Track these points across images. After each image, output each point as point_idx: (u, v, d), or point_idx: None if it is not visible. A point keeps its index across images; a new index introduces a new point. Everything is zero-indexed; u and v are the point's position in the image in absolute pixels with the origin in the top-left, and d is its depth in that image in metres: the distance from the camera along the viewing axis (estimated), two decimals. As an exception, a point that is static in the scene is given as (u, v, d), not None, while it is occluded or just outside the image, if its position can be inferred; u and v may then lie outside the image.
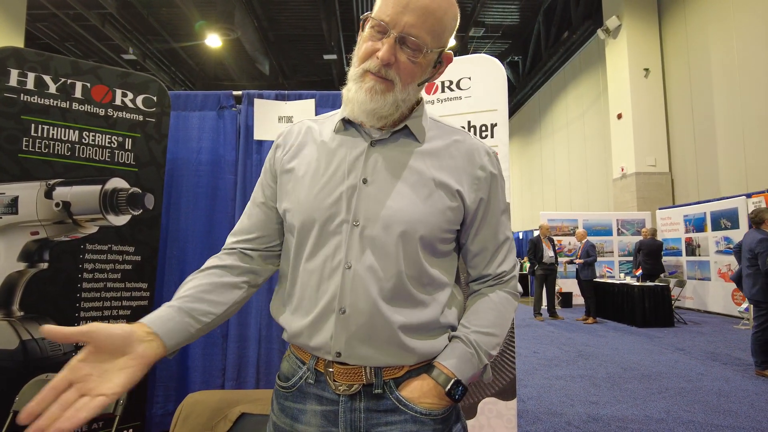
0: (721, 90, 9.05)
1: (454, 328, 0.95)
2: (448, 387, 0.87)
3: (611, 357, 5.41)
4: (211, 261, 0.99)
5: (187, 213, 2.70)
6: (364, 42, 0.89)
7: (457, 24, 0.92)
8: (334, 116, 1.00)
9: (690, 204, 9.31)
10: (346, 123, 0.96)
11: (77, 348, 2.27)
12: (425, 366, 0.91)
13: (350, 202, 0.88)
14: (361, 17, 0.94)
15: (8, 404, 1.72)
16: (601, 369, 4.85)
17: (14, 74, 2.21)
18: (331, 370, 0.88)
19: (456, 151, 0.95)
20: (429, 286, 0.90)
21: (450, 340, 0.93)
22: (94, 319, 2.33)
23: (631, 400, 3.82)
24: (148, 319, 0.83)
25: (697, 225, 8.89)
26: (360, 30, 0.94)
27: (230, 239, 1.03)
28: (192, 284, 0.93)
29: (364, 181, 0.89)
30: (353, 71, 0.89)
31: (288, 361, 0.97)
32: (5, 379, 2.08)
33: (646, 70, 10.53)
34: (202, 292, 0.92)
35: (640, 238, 9.05)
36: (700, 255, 8.86)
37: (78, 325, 2.27)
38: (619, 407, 3.64)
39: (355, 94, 0.88)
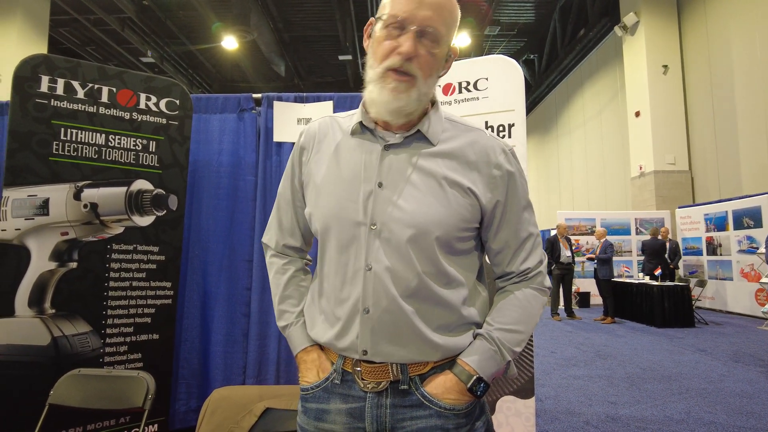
0: (742, 86, 8.87)
1: (478, 325, 0.97)
2: (470, 383, 0.90)
3: (630, 357, 5.36)
4: (290, 266, 1.09)
5: (208, 213, 2.76)
6: (379, 43, 0.91)
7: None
8: (351, 117, 1.02)
9: (711, 203, 9.15)
10: (362, 127, 0.98)
11: (105, 345, 2.34)
12: (449, 362, 0.93)
13: (367, 206, 0.91)
14: (370, 22, 0.96)
15: (44, 398, 1.78)
16: (619, 369, 4.81)
17: (45, 80, 2.29)
18: (358, 369, 0.92)
19: (471, 150, 0.96)
20: (449, 284, 0.93)
21: (474, 338, 0.95)
22: (120, 316, 2.41)
23: (651, 400, 3.79)
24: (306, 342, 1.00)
25: (719, 224, 8.73)
26: (365, 36, 0.98)
27: (284, 239, 1.10)
28: (294, 298, 1.06)
29: (380, 185, 0.92)
30: (373, 73, 0.91)
31: None
32: (39, 373, 2.16)
33: (665, 66, 10.36)
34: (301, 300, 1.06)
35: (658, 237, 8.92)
36: (721, 254, 8.71)
37: (105, 322, 2.35)
38: (638, 407, 3.61)
39: (378, 94, 0.90)
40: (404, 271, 0.89)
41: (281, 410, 1.63)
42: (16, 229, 2.22)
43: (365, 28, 0.99)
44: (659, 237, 8.48)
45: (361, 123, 0.98)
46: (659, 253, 8.35)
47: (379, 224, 0.90)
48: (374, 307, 0.89)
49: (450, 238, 0.92)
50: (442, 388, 0.90)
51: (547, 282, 1.02)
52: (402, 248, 0.89)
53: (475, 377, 0.90)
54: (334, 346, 0.94)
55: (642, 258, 9.90)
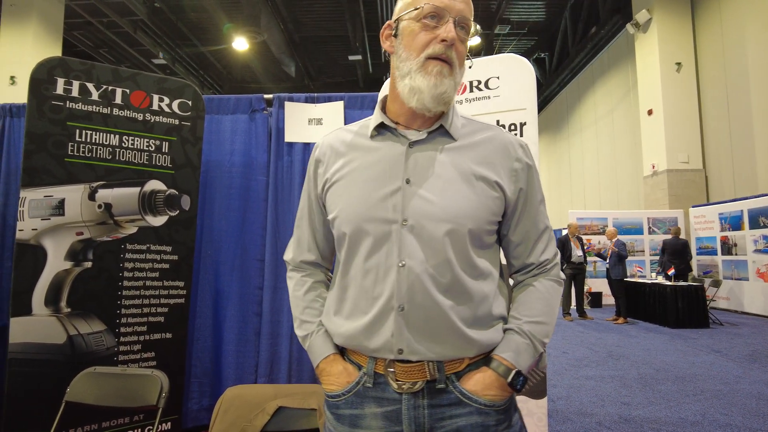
0: (758, 83, 8.74)
1: (504, 319, 0.98)
2: (510, 378, 0.90)
3: (643, 358, 5.30)
4: (308, 278, 1.10)
5: (221, 213, 2.78)
6: (414, 35, 0.93)
7: None
8: (366, 123, 1.04)
9: (726, 201, 9.02)
10: (381, 128, 1.00)
11: (119, 343, 2.37)
12: (484, 359, 0.94)
13: (396, 203, 0.92)
14: (389, 24, 0.99)
15: (60, 395, 1.81)
16: (632, 370, 4.76)
17: (60, 83, 2.32)
18: (392, 370, 0.91)
19: (491, 145, 0.98)
20: (480, 278, 0.93)
21: (504, 333, 0.96)
22: (133, 315, 2.43)
23: (665, 401, 3.75)
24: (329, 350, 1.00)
25: (734, 223, 8.61)
26: (384, 38, 1.00)
27: (301, 254, 1.11)
28: (314, 308, 1.06)
29: (407, 182, 0.93)
30: (412, 63, 0.93)
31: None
32: (56, 371, 2.19)
33: (678, 64, 10.23)
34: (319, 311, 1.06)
35: (669, 236, 8.82)
36: (736, 254, 8.58)
37: (120, 321, 2.38)
38: (651, 408, 3.57)
39: (422, 81, 0.91)
40: (439, 265, 0.89)
41: (294, 409, 1.64)
42: (33, 229, 2.26)
43: (383, 30, 1.01)
44: (680, 236, 8.39)
45: (381, 124, 0.99)
46: (682, 252, 8.24)
47: (410, 220, 0.90)
48: (409, 304, 0.89)
49: (481, 231, 0.93)
50: (481, 384, 0.90)
51: (562, 274, 1.04)
52: (436, 242, 0.89)
53: (514, 371, 0.90)
54: (365, 347, 0.93)
55: (656, 258, 9.79)
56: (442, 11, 0.90)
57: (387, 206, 0.92)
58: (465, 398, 0.90)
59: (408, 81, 0.93)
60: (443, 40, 0.90)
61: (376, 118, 1.01)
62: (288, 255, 1.14)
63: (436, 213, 0.90)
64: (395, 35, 0.98)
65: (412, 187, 0.92)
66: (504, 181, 0.95)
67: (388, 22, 1.00)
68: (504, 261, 1.05)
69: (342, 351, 1.00)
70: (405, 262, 0.89)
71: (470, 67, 1.02)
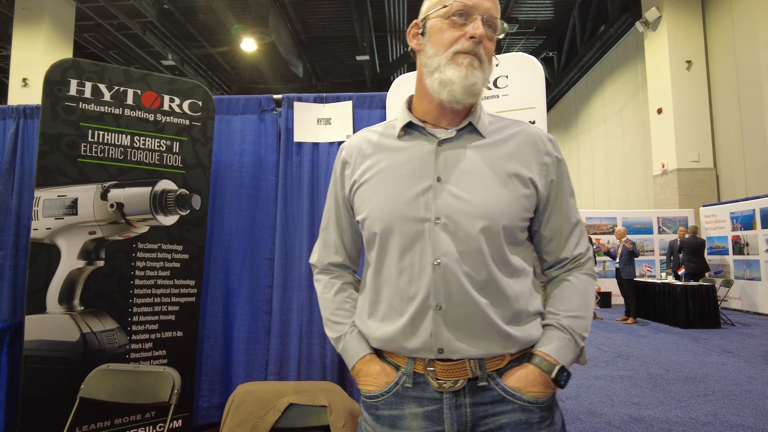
0: (770, 81, 8.64)
1: (542, 315, 0.97)
2: (554, 373, 0.89)
3: (653, 358, 5.26)
4: (337, 280, 1.09)
5: (231, 213, 2.80)
6: (442, 32, 0.94)
7: None
8: (392, 123, 1.04)
9: (737, 201, 8.93)
10: (408, 128, 1.00)
11: (131, 341, 2.40)
12: (525, 355, 0.93)
13: (428, 201, 0.91)
14: (416, 23, 1.00)
15: (74, 391, 1.84)
16: (642, 370, 4.73)
17: (73, 84, 2.36)
18: (431, 369, 0.90)
19: (520, 140, 0.98)
20: (514, 274, 0.93)
21: (543, 329, 0.95)
22: (145, 314, 2.46)
23: (675, 402, 3.72)
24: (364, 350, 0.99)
25: (745, 222, 8.52)
26: (411, 36, 1.01)
27: (328, 257, 1.10)
28: (345, 309, 1.06)
29: (438, 180, 0.92)
30: (440, 58, 0.93)
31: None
32: (69, 368, 2.22)
33: (689, 62, 10.15)
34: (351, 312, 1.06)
35: (676, 236, 8.73)
36: (748, 254, 8.49)
37: (131, 320, 2.41)
38: (662, 409, 3.55)
39: (452, 73, 0.91)
40: (474, 263, 0.89)
41: (304, 406, 1.65)
42: (47, 229, 2.29)
43: (410, 29, 1.02)
44: (697, 235, 8.32)
45: (408, 124, 0.99)
46: (699, 251, 8.16)
47: (443, 217, 0.90)
48: (447, 302, 0.88)
49: (514, 228, 0.93)
50: (525, 381, 0.89)
51: (596, 267, 1.03)
52: (471, 240, 0.89)
53: (558, 367, 0.89)
54: (404, 348, 0.92)
55: (664, 257, 9.72)
56: (470, 9, 0.91)
57: (418, 205, 0.91)
58: (508, 395, 0.89)
59: (438, 75, 0.93)
60: (471, 37, 0.90)
61: (402, 117, 1.00)
62: (314, 258, 1.13)
63: (469, 210, 0.89)
64: (422, 33, 0.98)
65: (443, 185, 0.92)
66: (536, 175, 0.95)
67: (415, 21, 1.01)
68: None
69: (378, 352, 0.99)
70: (440, 260, 0.88)
71: (497, 65, 1.02)
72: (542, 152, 0.98)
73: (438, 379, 0.89)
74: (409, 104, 1.04)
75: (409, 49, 1.03)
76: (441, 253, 0.89)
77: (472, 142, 0.96)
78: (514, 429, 0.88)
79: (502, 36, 0.97)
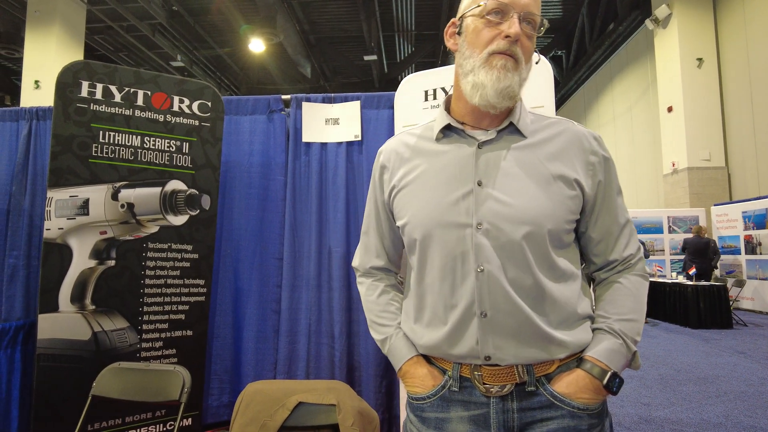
0: (782, 78, 8.52)
1: (591, 318, 0.94)
2: (606, 380, 0.86)
3: (663, 358, 5.22)
4: (380, 283, 1.09)
5: (240, 213, 2.82)
6: (478, 32, 0.91)
7: None
8: (430, 125, 1.02)
9: (750, 200, 8.82)
10: (447, 130, 0.97)
11: (141, 340, 2.42)
12: (575, 360, 0.90)
13: (469, 206, 0.89)
14: (453, 22, 0.98)
15: (85, 389, 1.86)
16: (652, 370, 4.69)
17: (85, 86, 2.38)
18: (478, 373, 0.88)
19: (564, 139, 0.95)
20: (561, 278, 0.90)
21: (593, 333, 0.92)
22: (155, 313, 2.48)
23: (686, 402, 3.69)
24: (412, 351, 0.98)
25: (758, 221, 8.41)
26: (447, 36, 0.99)
27: (370, 261, 1.10)
28: (390, 311, 1.05)
29: (479, 184, 0.90)
30: (475, 59, 0.91)
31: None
32: (81, 366, 2.25)
33: (700, 60, 10.03)
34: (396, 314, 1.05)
35: (689, 235, 8.64)
36: (761, 253, 8.38)
37: (142, 319, 2.43)
38: (672, 410, 3.52)
39: (485, 76, 0.89)
40: (519, 269, 0.86)
41: (313, 404, 1.66)
42: (59, 229, 2.32)
43: (447, 28, 0.99)
44: (702, 235, 8.22)
45: (447, 126, 0.97)
46: (703, 252, 8.07)
47: (485, 223, 0.87)
48: (492, 310, 0.86)
49: (560, 231, 0.89)
50: (575, 387, 0.87)
51: (647, 268, 0.99)
52: (515, 245, 0.86)
53: (610, 373, 0.86)
54: (449, 355, 0.90)
55: (676, 257, 9.63)
56: (506, 7, 0.88)
57: (459, 210, 0.89)
58: (557, 401, 0.86)
59: (471, 78, 0.90)
60: (507, 36, 0.88)
61: (441, 119, 0.98)
62: (356, 262, 1.12)
63: (512, 215, 0.87)
64: (459, 33, 0.96)
65: (484, 189, 0.89)
66: (581, 176, 0.92)
67: (452, 20, 0.99)
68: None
69: (424, 356, 0.98)
70: (483, 267, 0.86)
71: (537, 63, 0.99)
72: (588, 151, 0.94)
73: (485, 384, 0.88)
74: (447, 105, 1.01)
75: (448, 48, 1.02)
76: (484, 259, 0.86)
77: (513, 143, 0.93)
78: None
79: (542, 33, 0.95)
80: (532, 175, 0.90)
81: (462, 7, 0.96)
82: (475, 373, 0.88)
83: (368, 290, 1.07)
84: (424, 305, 0.94)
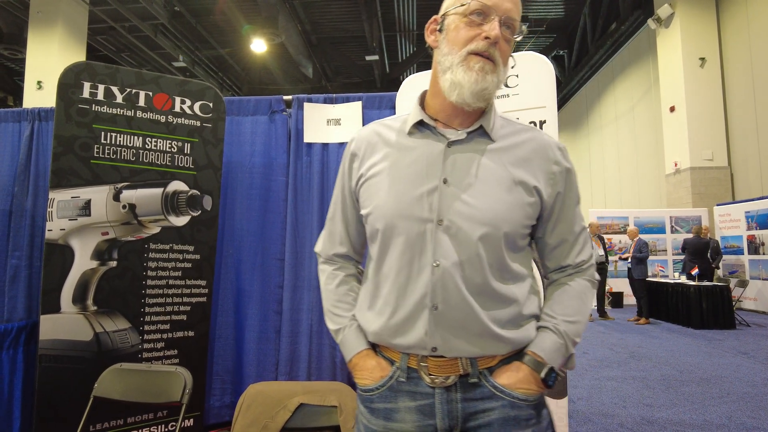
0: (786, 78, 8.49)
1: (537, 317, 0.98)
2: (544, 374, 0.90)
3: (666, 359, 5.20)
4: (340, 272, 1.10)
5: (242, 213, 2.82)
6: (458, 31, 0.93)
7: None
8: (405, 118, 1.03)
9: (752, 200, 8.79)
10: (420, 125, 0.99)
11: (143, 341, 2.42)
12: (516, 354, 0.94)
13: (433, 203, 0.92)
14: (434, 19, 1.00)
15: (87, 390, 1.86)
16: (655, 371, 4.68)
17: (87, 87, 2.39)
18: (425, 364, 0.92)
19: (530, 147, 0.97)
20: (512, 279, 0.94)
21: (538, 330, 0.96)
22: (157, 314, 2.48)
23: (689, 403, 3.67)
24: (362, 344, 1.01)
25: (761, 221, 8.38)
26: (429, 32, 1.01)
27: (333, 247, 1.11)
28: (346, 302, 1.07)
29: (445, 182, 0.93)
30: (454, 57, 0.93)
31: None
32: (83, 367, 2.25)
33: (702, 59, 10.00)
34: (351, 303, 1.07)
35: (690, 235, 8.62)
36: (764, 253, 8.36)
37: (144, 319, 2.43)
38: (675, 411, 3.51)
39: (463, 76, 0.91)
40: (473, 267, 0.90)
41: (315, 406, 1.65)
42: (61, 229, 2.32)
43: (428, 24, 1.02)
44: (702, 235, 8.20)
45: (420, 122, 0.99)
46: (702, 252, 8.06)
47: (446, 220, 0.90)
48: (443, 304, 0.89)
49: (516, 235, 0.93)
50: (515, 378, 0.91)
51: (597, 275, 1.04)
52: (472, 244, 0.90)
53: (548, 367, 0.91)
54: (398, 344, 0.94)
55: (678, 257, 9.60)
56: (488, 9, 0.91)
57: (423, 205, 0.92)
58: (498, 392, 0.91)
59: (449, 75, 0.93)
60: (487, 38, 0.90)
61: (415, 114, 1.00)
62: (318, 247, 1.14)
63: (473, 215, 0.90)
64: (440, 30, 0.98)
65: (449, 188, 0.92)
66: (541, 184, 0.95)
67: (434, 17, 1.00)
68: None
69: (374, 346, 1.01)
70: (439, 262, 0.89)
71: (513, 67, 1.01)
72: (551, 161, 0.97)
73: (430, 375, 0.91)
74: (422, 100, 1.03)
75: (427, 45, 1.03)
76: (441, 255, 0.90)
77: (481, 146, 0.96)
78: (503, 424, 0.90)
79: (519, 38, 0.96)
80: (495, 178, 0.93)
81: (445, 5, 0.98)
82: (422, 364, 0.92)
83: (328, 279, 1.09)
84: (379, 294, 0.97)
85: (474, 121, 0.97)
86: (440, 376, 0.90)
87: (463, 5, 0.92)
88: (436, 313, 0.89)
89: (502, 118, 1.02)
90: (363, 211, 1.01)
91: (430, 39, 1.01)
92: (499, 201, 0.91)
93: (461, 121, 0.97)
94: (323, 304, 1.09)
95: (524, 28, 0.96)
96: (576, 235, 1.01)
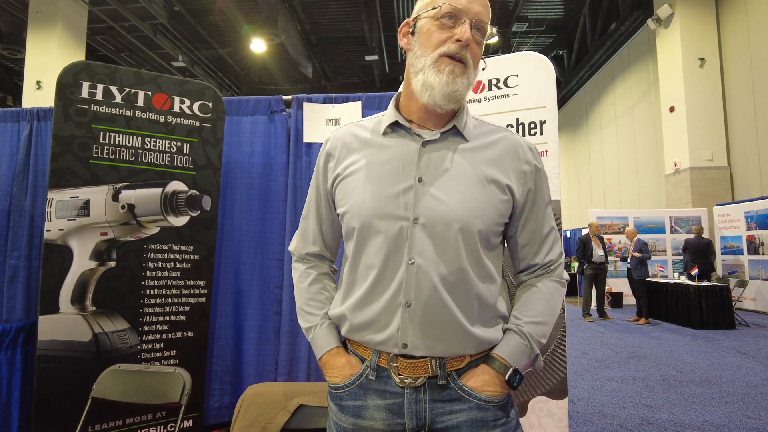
0: (785, 78, 8.48)
1: (505, 318, 1.00)
2: (507, 375, 0.92)
3: (666, 359, 5.20)
4: (313, 270, 1.11)
5: (241, 213, 2.81)
6: (430, 34, 0.95)
7: None
8: (379, 119, 1.05)
9: (752, 200, 8.79)
10: (394, 126, 1.01)
11: (142, 342, 2.42)
12: (483, 357, 0.96)
13: (408, 201, 0.93)
14: (407, 22, 1.01)
15: (86, 391, 1.86)
16: (654, 371, 4.68)
17: (85, 86, 2.38)
18: (395, 364, 0.93)
19: (501, 147, 1.00)
20: (486, 278, 0.96)
21: (504, 332, 0.99)
22: (156, 314, 2.48)
23: (689, 404, 3.67)
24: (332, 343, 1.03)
25: (761, 221, 8.39)
26: (401, 35, 1.03)
27: (306, 246, 1.12)
28: (318, 300, 1.08)
29: (420, 180, 0.94)
30: (426, 59, 0.95)
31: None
32: (82, 368, 2.25)
33: (702, 59, 10.01)
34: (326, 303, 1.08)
35: (691, 235, 8.62)
36: (764, 254, 8.36)
37: (143, 320, 2.43)
38: (675, 411, 3.50)
39: (434, 78, 0.93)
40: (448, 264, 0.91)
41: (314, 407, 1.65)
42: (59, 230, 2.31)
43: (401, 27, 1.03)
44: (703, 235, 8.20)
45: (395, 122, 1.01)
46: (704, 252, 8.06)
47: (422, 218, 0.92)
48: (416, 300, 0.91)
49: (489, 233, 0.95)
50: (480, 381, 0.93)
51: (566, 275, 1.06)
52: (447, 242, 0.91)
53: (511, 369, 0.93)
54: (370, 340, 0.95)
55: (678, 257, 9.61)
56: (459, 12, 0.92)
57: (398, 204, 0.94)
58: (465, 394, 0.93)
59: (421, 77, 0.95)
60: (458, 40, 0.92)
61: (389, 115, 1.02)
62: (292, 246, 1.16)
63: (448, 213, 0.92)
64: (412, 33, 1.00)
65: (424, 186, 0.94)
66: (513, 183, 0.98)
67: (406, 20, 1.02)
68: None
69: (345, 344, 1.03)
70: (415, 260, 0.91)
71: (484, 69, 1.03)
72: (522, 160, 1.00)
73: (400, 375, 0.92)
74: (397, 101, 1.05)
75: (400, 48, 1.05)
76: (416, 252, 0.91)
77: (455, 145, 0.98)
78: (471, 426, 0.92)
79: (490, 41, 0.97)
80: (469, 177, 0.95)
81: (417, 9, 1.00)
82: (392, 364, 0.93)
83: (301, 277, 1.11)
84: (354, 290, 0.98)
85: (447, 122, 0.99)
86: (410, 377, 0.92)
87: (434, 8, 0.94)
88: (409, 310, 0.91)
89: (475, 119, 1.04)
90: (339, 210, 1.02)
91: (402, 42, 1.03)
92: (473, 199, 0.93)
93: (435, 122, 0.99)
94: (296, 302, 1.10)
95: (494, 31, 0.98)
96: (545, 234, 1.03)
